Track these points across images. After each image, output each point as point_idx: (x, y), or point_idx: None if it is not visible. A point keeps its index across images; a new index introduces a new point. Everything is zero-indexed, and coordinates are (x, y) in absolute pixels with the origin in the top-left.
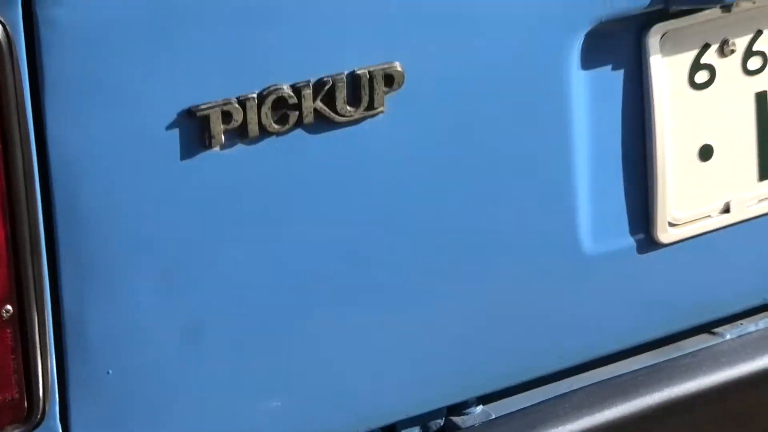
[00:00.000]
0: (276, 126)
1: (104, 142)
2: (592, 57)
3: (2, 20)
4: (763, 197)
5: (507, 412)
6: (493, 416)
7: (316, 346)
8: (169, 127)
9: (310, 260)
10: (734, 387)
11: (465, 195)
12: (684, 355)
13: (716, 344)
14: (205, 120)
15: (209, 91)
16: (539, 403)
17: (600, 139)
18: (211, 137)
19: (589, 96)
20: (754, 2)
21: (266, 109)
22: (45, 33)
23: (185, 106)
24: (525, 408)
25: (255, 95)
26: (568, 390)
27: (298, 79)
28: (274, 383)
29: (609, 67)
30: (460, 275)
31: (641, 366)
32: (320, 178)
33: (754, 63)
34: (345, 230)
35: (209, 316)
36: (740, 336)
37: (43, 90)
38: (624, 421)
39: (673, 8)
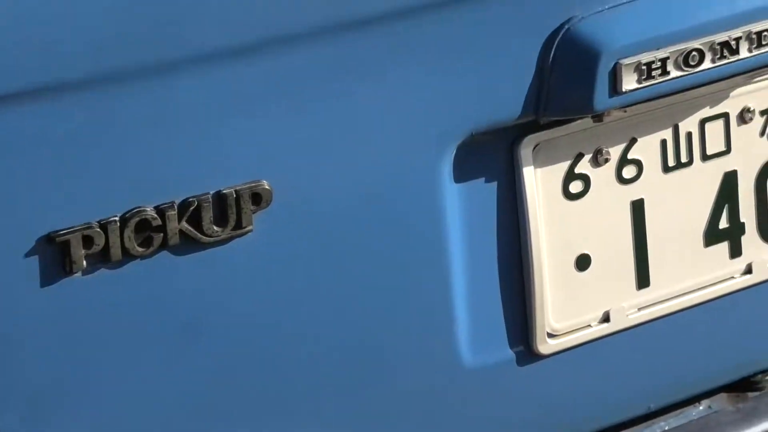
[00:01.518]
0: (140, 249)
1: None
2: (465, 170)
3: None
4: (642, 305)
5: None
6: None
7: None
8: (28, 254)
9: (178, 381)
10: None
11: (339, 312)
12: None
13: None
14: (65, 245)
15: (69, 216)
16: None
17: (476, 251)
18: (72, 263)
19: (463, 209)
20: (625, 111)
21: (129, 232)
22: None
23: (44, 231)
24: None
25: (117, 218)
26: None
27: (162, 200)
28: None
29: (482, 179)
30: (337, 394)
31: None
32: (188, 300)
33: (629, 171)
34: (214, 350)
35: None
36: None
37: None
38: None
39: (544, 120)
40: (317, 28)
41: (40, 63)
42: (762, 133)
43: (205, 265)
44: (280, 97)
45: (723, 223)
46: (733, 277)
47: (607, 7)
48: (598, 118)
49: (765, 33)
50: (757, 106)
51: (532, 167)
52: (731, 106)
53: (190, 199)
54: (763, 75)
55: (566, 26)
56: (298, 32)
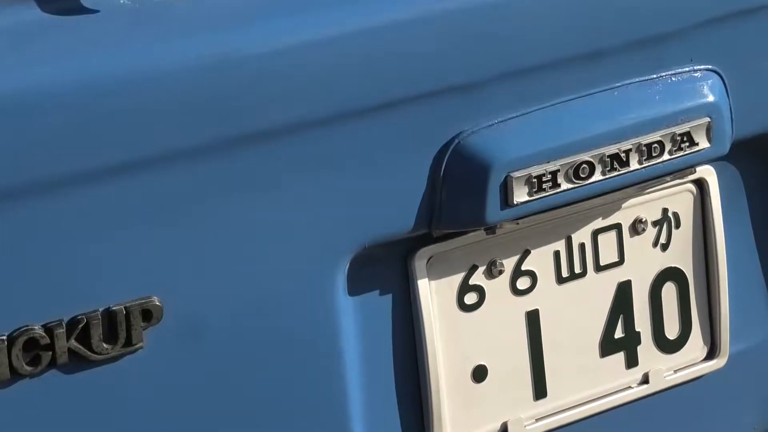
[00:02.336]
0: (28, 368)
1: None
2: (359, 283)
3: None
4: (540, 416)
5: None
6: None
7: None
8: None
9: None
10: None
11: (233, 425)
12: None
13: None
14: None
15: None
16: None
17: (373, 365)
18: None
19: (358, 323)
20: (517, 223)
21: (17, 350)
22: None
23: None
24: None
25: (5, 337)
26: None
27: (51, 318)
28: None
29: (377, 292)
30: None
31: None
32: (78, 418)
33: (523, 282)
34: None
35: None
36: None
37: None
38: None
39: (437, 232)
40: (208, 143)
41: None
42: (655, 244)
43: (96, 383)
44: (170, 211)
45: (618, 333)
46: (630, 387)
47: (497, 120)
48: (490, 230)
49: (654, 145)
50: (649, 216)
51: (427, 279)
52: (623, 217)
53: (79, 317)
54: (654, 186)
55: (456, 139)
56: (186, 147)
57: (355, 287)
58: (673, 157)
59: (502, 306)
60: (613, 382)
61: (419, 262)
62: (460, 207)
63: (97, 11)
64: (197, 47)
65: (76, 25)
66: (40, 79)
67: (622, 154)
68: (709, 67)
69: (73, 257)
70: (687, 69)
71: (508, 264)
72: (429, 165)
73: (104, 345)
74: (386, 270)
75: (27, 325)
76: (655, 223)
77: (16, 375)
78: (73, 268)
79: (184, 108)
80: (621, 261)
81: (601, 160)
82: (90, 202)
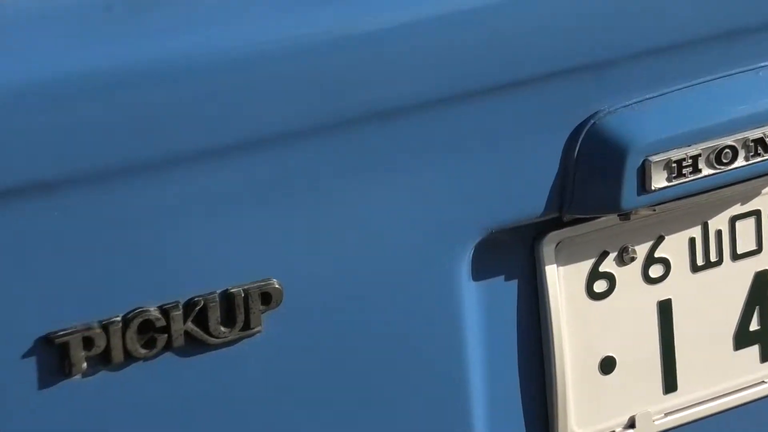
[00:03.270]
0: (143, 350)
1: None
2: (483, 268)
3: None
4: (669, 410)
5: None
6: None
7: None
8: (26, 355)
9: None
10: None
11: (351, 419)
12: None
13: None
14: (64, 347)
15: (69, 316)
16: None
17: (496, 354)
18: (71, 365)
19: (482, 310)
20: (654, 210)
21: (132, 333)
22: None
23: (42, 332)
24: None
25: (119, 318)
26: None
27: (167, 300)
28: None
29: (501, 278)
30: None
31: None
32: (192, 404)
33: (656, 270)
34: None
35: None
36: None
37: None
38: None
39: (568, 217)
40: (331, 122)
41: (44, 158)
42: None
43: (211, 367)
44: (292, 192)
45: (754, 326)
46: (764, 382)
47: (635, 101)
48: (624, 216)
49: None
50: None
51: (555, 265)
52: (763, 203)
53: (196, 299)
54: None
55: (591, 120)
56: (310, 126)
57: (478, 273)
58: None
59: (633, 295)
60: (746, 377)
61: (547, 248)
62: (594, 191)
63: None
64: (318, 21)
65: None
66: (164, 52)
67: (767, 139)
68: None
69: (191, 238)
70: None
71: (641, 251)
72: (561, 147)
73: (221, 328)
74: (512, 255)
75: (142, 307)
76: None
77: (130, 358)
78: (191, 248)
79: (306, 86)
80: (759, 249)
81: (745, 145)
82: (212, 182)
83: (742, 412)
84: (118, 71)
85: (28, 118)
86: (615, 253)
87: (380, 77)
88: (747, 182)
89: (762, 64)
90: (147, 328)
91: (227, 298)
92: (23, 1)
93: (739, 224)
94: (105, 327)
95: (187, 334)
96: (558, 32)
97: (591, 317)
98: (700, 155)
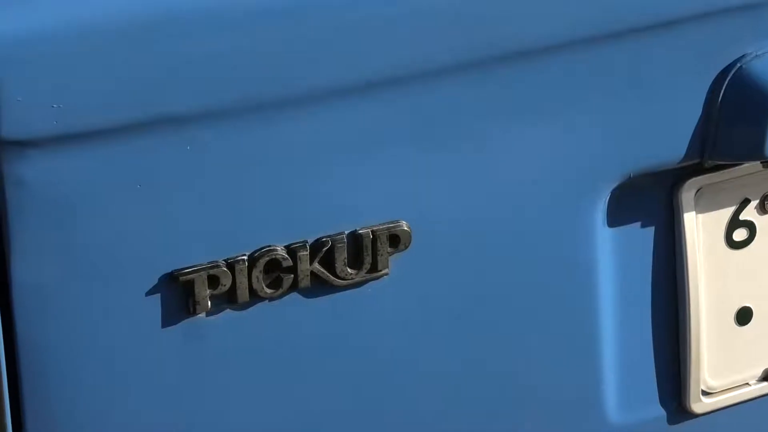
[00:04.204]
0: (268, 290)
1: (79, 310)
2: (619, 214)
3: None
4: None
5: None
6: None
7: None
8: (150, 292)
9: (303, 425)
10: None
11: (479, 363)
12: None
13: None
14: (189, 285)
15: (195, 254)
16: None
17: (629, 301)
18: (195, 303)
19: (616, 256)
20: None
21: (258, 272)
22: (12, 192)
23: (167, 270)
24: None
25: (246, 257)
26: None
27: (294, 239)
28: None
29: (638, 224)
30: None
31: None
32: (317, 344)
33: None
34: (341, 396)
35: None
36: None
37: (9, 248)
38: None
39: (709, 163)
40: (464, 64)
41: (177, 90)
42: None
43: (337, 309)
44: (426, 134)
45: None
46: None
47: None
48: (766, 165)
49: None
50: None
51: (694, 213)
52: None
53: (324, 239)
54: None
55: (739, 64)
56: (447, 66)
57: (615, 218)
58: None
59: None
60: None
61: (687, 194)
62: (738, 137)
63: None
64: None
65: None
66: None
67: None
68: None
69: (321, 177)
70: None
71: None
72: (706, 91)
73: (348, 270)
74: (650, 201)
75: (270, 246)
76: None
77: (255, 297)
78: (320, 188)
79: (446, 24)
80: None
81: None
82: (347, 122)
83: None
84: (255, 4)
85: (161, 48)
86: (756, 201)
87: (529, 15)
88: None
89: None
90: (273, 267)
91: (355, 239)
92: None
93: None
94: (231, 266)
95: (313, 274)
96: None
97: (729, 267)
98: None
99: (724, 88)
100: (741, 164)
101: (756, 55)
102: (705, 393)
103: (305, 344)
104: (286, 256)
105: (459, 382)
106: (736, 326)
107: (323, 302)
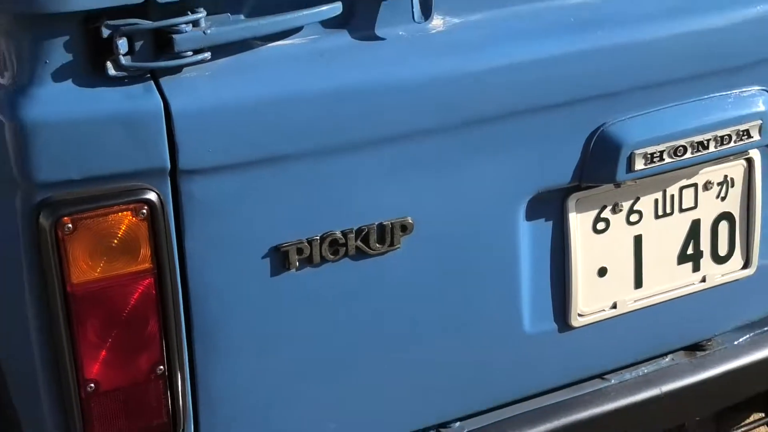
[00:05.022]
0: (331, 257)
1: (225, 270)
2: (533, 213)
3: (159, 193)
4: (638, 299)
5: (476, 427)
6: (466, 430)
7: (362, 384)
8: (264, 257)
9: (348, 339)
10: (615, 414)
11: (450, 301)
12: (583, 393)
13: (605, 386)
14: (286, 253)
15: (289, 234)
16: (496, 422)
17: (538, 264)
18: (288, 264)
19: (531, 238)
20: (635, 182)
21: (325, 246)
22: (186, 201)
23: (275, 244)
24: (487, 425)
25: (318, 237)
26: (512, 414)
27: (346, 227)
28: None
29: (543, 219)
30: (447, 345)
31: (558, 399)
32: (359, 291)
33: (634, 217)
34: (376, 322)
35: (290, 375)
36: (620, 381)
37: (187, 238)
38: None
39: (584, 185)
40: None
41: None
42: (717, 196)
43: (371, 269)
44: (430, 166)
45: (689, 251)
46: (693, 284)
47: (628, 116)
48: (617, 185)
49: (725, 136)
50: (715, 179)
51: (575, 213)
52: (700, 179)
53: (363, 227)
54: (720, 162)
55: (602, 127)
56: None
57: (530, 215)
58: (736, 144)
59: (620, 232)
60: (683, 281)
61: (571, 202)
62: (601, 170)
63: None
64: None
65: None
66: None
67: (705, 142)
68: (763, 88)
69: (360, 192)
70: (748, 89)
71: (626, 205)
72: (583, 142)
73: (377, 245)
74: (550, 206)
75: (331, 231)
76: (719, 184)
77: (323, 261)
78: (360, 197)
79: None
80: (695, 206)
81: (692, 145)
82: (382, 159)
83: (679, 301)
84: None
85: (273, 118)
86: (610, 207)
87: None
88: (692, 167)
89: (704, 96)
90: (334, 243)
91: (381, 227)
92: None
93: (684, 191)
94: (310, 242)
95: (357, 248)
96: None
97: (594, 244)
98: (665, 150)
99: (593, 140)
100: (601, 185)
101: (612, 123)
102: (580, 315)
103: (352, 289)
104: (341, 237)
105: (438, 312)
106: (597, 277)
107: (363, 264)
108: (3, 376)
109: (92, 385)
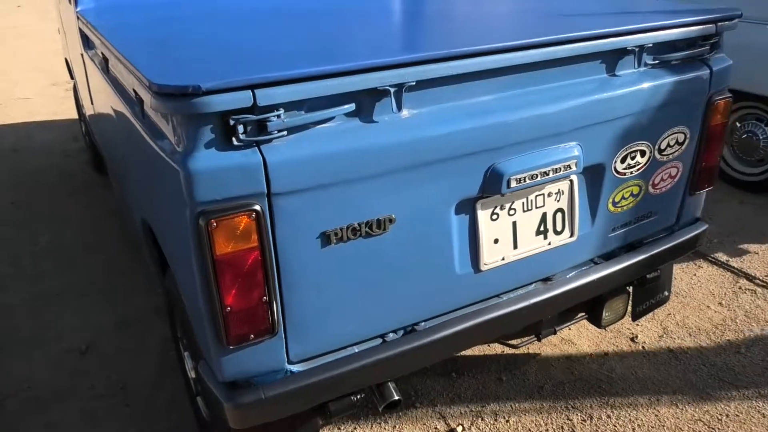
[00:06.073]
0: (352, 237)
1: (297, 246)
2: (459, 210)
3: (261, 205)
4: (516, 255)
5: (432, 325)
6: (427, 326)
7: (370, 303)
8: (317, 237)
9: (362, 279)
10: (506, 316)
11: (416, 259)
12: (488, 306)
13: (500, 301)
14: (328, 236)
15: (330, 225)
16: (443, 323)
17: (462, 237)
18: (330, 241)
19: (458, 224)
20: (512, 193)
21: (349, 231)
22: (276, 209)
23: (322, 230)
24: (437, 324)
25: (345, 226)
26: (450, 318)
27: (360, 220)
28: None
29: (464, 214)
30: (415, 282)
31: (474, 309)
32: (368, 255)
33: (511, 212)
34: (377, 270)
35: (331, 300)
36: (508, 298)
37: (277, 229)
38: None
39: (485, 195)
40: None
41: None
42: (555, 200)
43: (373, 243)
44: (402, 188)
45: (542, 228)
46: (543, 246)
47: (507, 159)
48: (502, 195)
49: (558, 168)
50: (554, 191)
51: (481, 210)
52: (545, 191)
53: (369, 220)
54: (556, 182)
55: (493, 165)
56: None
57: (458, 212)
58: (563, 172)
59: (505, 219)
60: (539, 245)
61: (478, 204)
62: (492, 186)
63: None
64: None
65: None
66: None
67: (547, 171)
68: (577, 143)
69: (367, 202)
70: (569, 143)
71: (507, 205)
72: (482, 175)
73: (377, 230)
74: (468, 207)
75: (351, 223)
76: (556, 193)
77: (348, 239)
78: (367, 205)
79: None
80: (544, 205)
81: (541, 173)
82: (379, 184)
83: (537, 255)
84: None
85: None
86: (499, 206)
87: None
88: (541, 185)
89: (547, 147)
90: (353, 229)
91: (378, 220)
92: None
93: (538, 197)
94: (341, 229)
95: (366, 232)
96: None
97: (492, 227)
98: (527, 177)
99: (489, 171)
100: (494, 195)
101: (498, 162)
102: (485, 264)
103: (364, 254)
104: (358, 226)
105: (410, 264)
106: (493, 244)
107: (369, 241)
108: (186, 312)
109: (229, 308)
